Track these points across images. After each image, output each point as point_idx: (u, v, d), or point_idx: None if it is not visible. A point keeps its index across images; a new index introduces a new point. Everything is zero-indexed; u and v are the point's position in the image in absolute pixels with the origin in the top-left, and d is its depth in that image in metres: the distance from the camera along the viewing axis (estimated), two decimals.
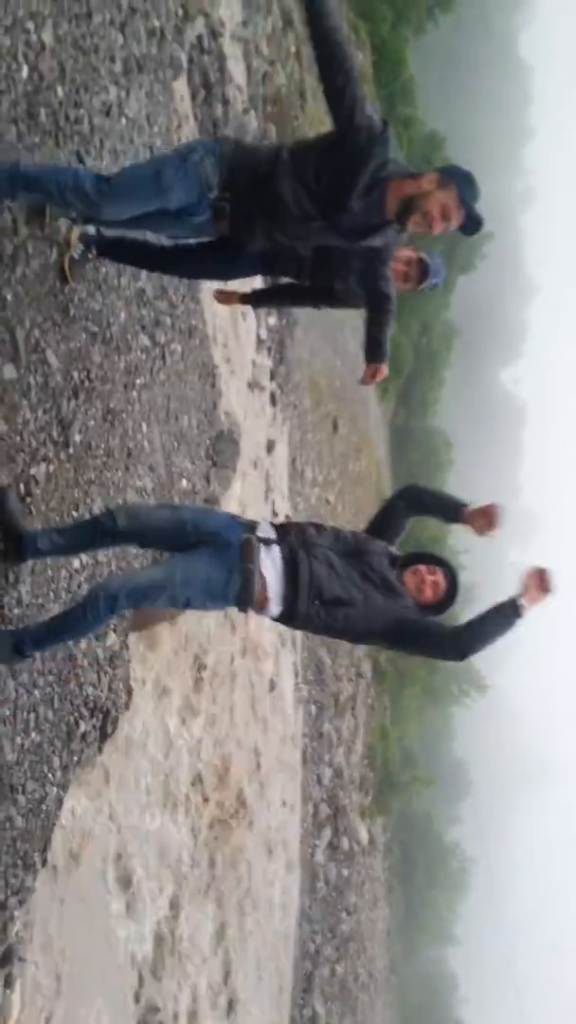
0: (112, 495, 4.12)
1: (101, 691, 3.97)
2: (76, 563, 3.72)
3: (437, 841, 46.15)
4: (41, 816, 3.31)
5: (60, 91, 3.70)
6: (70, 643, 3.60)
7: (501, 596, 3.21)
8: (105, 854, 4.01)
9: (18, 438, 3.26)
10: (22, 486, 3.29)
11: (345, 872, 13.07)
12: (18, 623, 3.15)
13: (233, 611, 3.12)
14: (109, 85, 4.32)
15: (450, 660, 3.33)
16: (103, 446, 4.07)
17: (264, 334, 9.00)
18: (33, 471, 3.35)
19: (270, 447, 9.04)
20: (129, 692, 4.35)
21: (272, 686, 8.31)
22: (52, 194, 2.99)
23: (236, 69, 7.82)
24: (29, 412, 3.34)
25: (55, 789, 3.45)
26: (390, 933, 25.99)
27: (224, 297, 4.52)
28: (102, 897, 3.97)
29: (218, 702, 6.23)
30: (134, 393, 4.56)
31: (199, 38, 6.35)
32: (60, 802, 3.50)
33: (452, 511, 3.34)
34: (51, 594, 3.46)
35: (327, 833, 11.81)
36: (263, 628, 7.75)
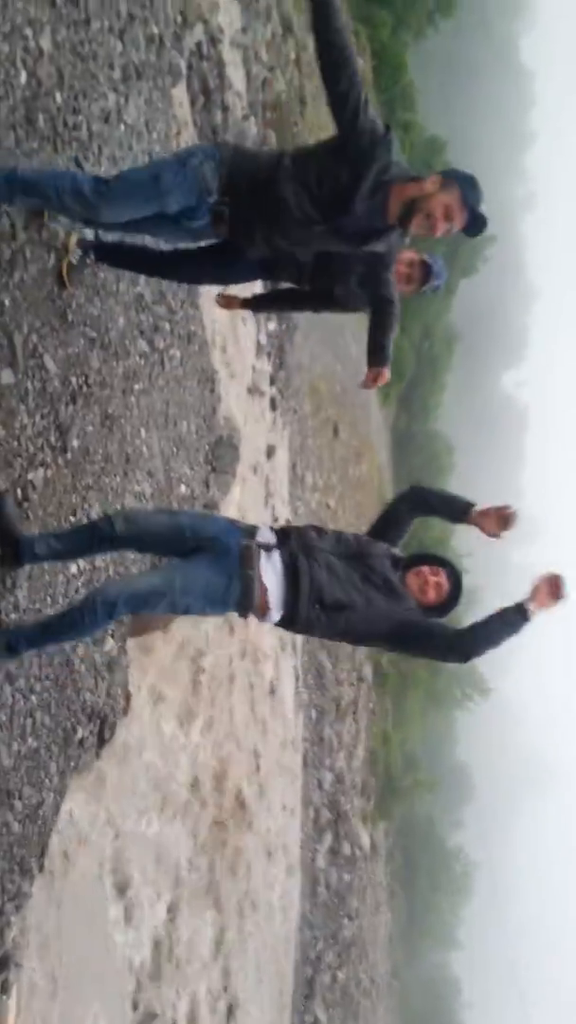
0: (110, 500, 4.12)
1: (99, 696, 3.97)
2: (73, 568, 3.72)
3: (440, 846, 46.10)
4: (38, 822, 3.31)
5: (59, 97, 3.71)
6: (65, 646, 3.59)
7: (506, 599, 3.18)
8: (103, 859, 4.01)
9: (16, 443, 3.26)
10: (20, 491, 3.29)
11: (346, 877, 13.04)
12: None
13: (232, 615, 3.11)
14: (108, 91, 4.33)
15: (453, 662, 3.31)
16: (101, 451, 4.07)
17: (264, 339, 9.00)
18: (31, 476, 3.36)
19: (270, 452, 9.04)
20: (127, 697, 4.35)
21: (272, 690, 8.31)
22: (50, 198, 2.99)
23: (235, 75, 7.84)
24: (27, 417, 3.35)
25: (52, 795, 3.44)
26: (392, 938, 25.94)
27: (226, 301, 4.53)
28: (100, 902, 3.97)
29: (217, 706, 6.23)
30: (133, 398, 4.57)
31: (198, 44, 6.36)
32: (57, 808, 3.50)
33: (458, 511, 3.29)
34: (48, 599, 3.46)
35: (328, 838, 11.80)
36: (263, 632, 7.74)
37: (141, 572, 4.22)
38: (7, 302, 3.22)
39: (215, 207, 3.10)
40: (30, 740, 3.27)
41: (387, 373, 4.01)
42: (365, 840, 15.62)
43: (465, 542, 31.72)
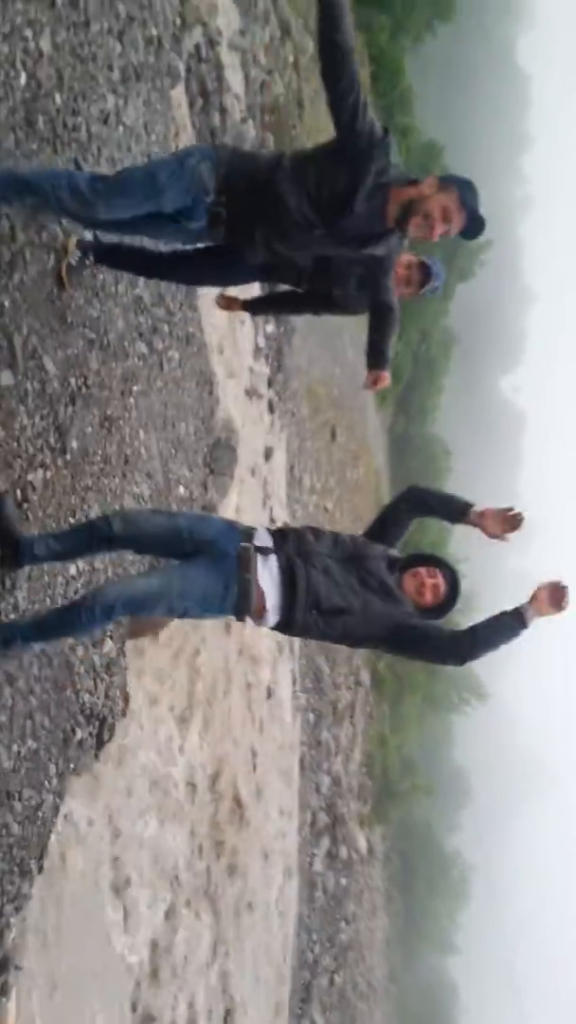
0: (109, 502, 4.12)
1: (98, 698, 3.96)
2: (73, 569, 3.72)
3: (437, 850, 46.07)
4: (37, 823, 3.31)
5: (58, 99, 3.71)
6: (61, 643, 3.58)
7: (501, 605, 3.16)
8: (101, 861, 4.00)
9: (15, 444, 3.26)
10: (19, 492, 3.28)
11: (344, 881, 13.03)
12: None
13: (230, 619, 3.11)
14: (107, 93, 4.33)
15: (449, 665, 3.30)
16: (100, 453, 4.07)
17: (262, 342, 9.01)
18: (30, 477, 3.36)
19: (268, 454, 9.05)
20: (126, 699, 4.35)
21: (270, 694, 8.30)
22: (47, 196, 2.99)
23: (234, 78, 7.85)
24: (26, 418, 3.35)
25: (51, 796, 3.44)
26: (389, 942, 25.92)
27: (226, 303, 4.53)
28: (98, 904, 3.96)
29: (215, 709, 6.23)
30: (131, 400, 4.57)
31: (197, 47, 6.38)
32: (56, 809, 3.49)
33: (457, 512, 3.26)
34: (47, 600, 3.45)
35: (325, 842, 11.79)
36: (260, 635, 7.74)
37: (140, 574, 4.22)
38: (7, 304, 3.22)
39: (212, 207, 3.10)
40: (30, 742, 3.26)
41: (387, 376, 4.01)
42: (362, 844, 15.61)
43: (463, 547, 31.78)
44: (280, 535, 3.16)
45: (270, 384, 9.38)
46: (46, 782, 3.39)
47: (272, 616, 3.04)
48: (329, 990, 11.44)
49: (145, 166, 3.24)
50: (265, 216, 3.10)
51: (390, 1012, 25.58)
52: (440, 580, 3.26)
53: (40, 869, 3.31)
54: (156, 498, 4.90)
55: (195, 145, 5.23)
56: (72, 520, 3.67)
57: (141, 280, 4.70)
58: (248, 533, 3.10)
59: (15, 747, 3.15)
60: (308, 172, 3.01)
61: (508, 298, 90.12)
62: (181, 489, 5.47)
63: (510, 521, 3.14)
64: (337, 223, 3.05)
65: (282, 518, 9.52)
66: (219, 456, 6.45)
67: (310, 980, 10.24)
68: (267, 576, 3.01)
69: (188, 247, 3.66)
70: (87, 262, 3.82)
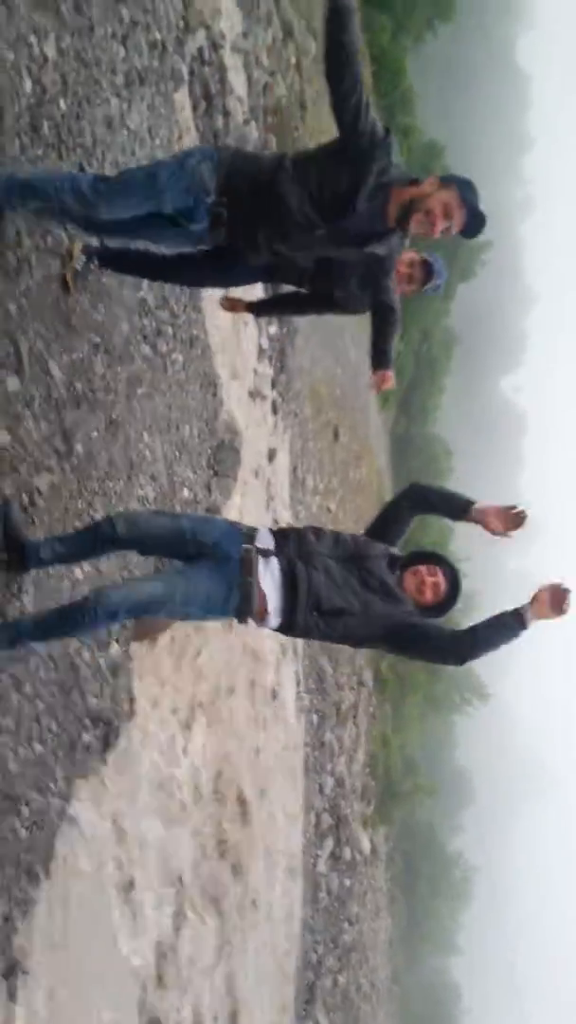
0: (114, 505, 4.13)
1: (103, 701, 3.97)
2: (78, 573, 3.73)
3: (440, 851, 46.07)
4: (44, 827, 3.31)
5: (63, 104, 3.72)
6: (57, 643, 3.56)
7: (502, 605, 3.17)
8: (107, 864, 4.00)
9: (21, 449, 3.27)
10: (25, 496, 3.29)
11: (347, 882, 13.02)
12: None
13: (233, 621, 3.11)
14: (111, 97, 4.34)
15: (449, 664, 3.29)
16: (106, 456, 4.08)
17: (265, 343, 9.01)
18: (36, 482, 3.36)
19: (271, 456, 9.05)
20: (131, 702, 4.35)
21: (274, 695, 8.30)
22: (50, 198, 3.00)
23: (237, 80, 7.86)
24: (32, 423, 3.36)
25: (58, 800, 3.44)
26: (392, 943, 25.92)
27: (230, 304, 4.54)
28: (105, 906, 3.97)
29: (219, 711, 6.23)
30: (136, 403, 4.58)
31: (200, 50, 6.38)
32: (63, 813, 3.50)
33: (458, 509, 3.23)
34: (54, 604, 3.46)
35: (329, 843, 11.78)
36: (264, 636, 7.74)
37: (144, 576, 4.23)
38: (13, 309, 3.23)
39: (213, 208, 3.10)
40: (36, 745, 3.27)
41: (392, 376, 4.02)
42: (365, 845, 15.59)
43: (464, 546, 31.78)
44: (282, 535, 3.16)
45: (273, 385, 9.39)
46: (52, 785, 3.40)
47: (274, 618, 3.05)
48: (333, 991, 11.44)
49: (146, 167, 3.25)
50: (267, 217, 3.11)
51: (393, 1013, 25.59)
52: (441, 578, 3.24)
53: (47, 873, 3.31)
54: (161, 500, 4.91)
55: (196, 146, 5.25)
56: (78, 524, 3.68)
57: (145, 283, 4.71)
58: (250, 534, 3.11)
59: (22, 751, 3.16)
60: (310, 172, 3.02)
61: (509, 298, 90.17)
62: (185, 491, 5.48)
63: (513, 518, 3.12)
64: (339, 223, 3.06)
65: (285, 519, 9.52)
66: (223, 458, 6.46)
67: (314, 981, 10.24)
68: (269, 579, 3.01)
69: (191, 250, 3.67)
70: (92, 267, 3.84)
